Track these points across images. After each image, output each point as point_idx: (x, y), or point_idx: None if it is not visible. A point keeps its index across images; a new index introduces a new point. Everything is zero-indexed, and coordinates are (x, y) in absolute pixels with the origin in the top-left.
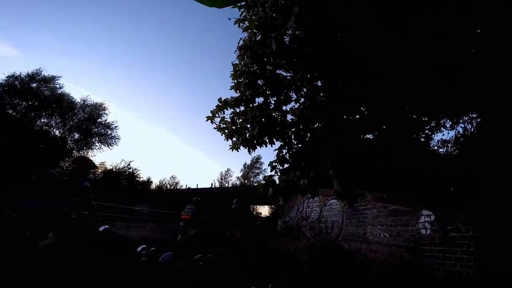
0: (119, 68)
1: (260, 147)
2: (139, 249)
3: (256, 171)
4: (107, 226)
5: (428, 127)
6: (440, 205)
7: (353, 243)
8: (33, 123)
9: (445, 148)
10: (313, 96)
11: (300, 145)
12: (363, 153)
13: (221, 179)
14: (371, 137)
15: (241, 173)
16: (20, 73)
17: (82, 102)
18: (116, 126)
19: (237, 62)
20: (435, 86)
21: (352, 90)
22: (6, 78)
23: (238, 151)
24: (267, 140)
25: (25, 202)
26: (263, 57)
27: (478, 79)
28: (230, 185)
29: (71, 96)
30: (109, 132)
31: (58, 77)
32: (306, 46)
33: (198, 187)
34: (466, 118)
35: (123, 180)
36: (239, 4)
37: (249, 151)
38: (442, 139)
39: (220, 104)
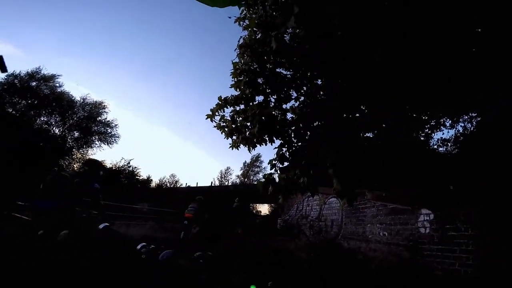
0: (119, 67)
1: (260, 146)
2: (139, 247)
3: (256, 169)
4: (107, 224)
5: (428, 126)
6: (440, 204)
7: (353, 242)
8: (32, 122)
9: (445, 147)
10: (313, 94)
11: (300, 144)
12: (362, 151)
13: (221, 177)
14: (371, 136)
15: (241, 171)
16: (20, 71)
17: (81, 100)
18: (116, 125)
19: (237, 60)
20: (435, 86)
21: (352, 89)
22: (5, 77)
23: (238, 150)
24: (267, 138)
25: (38, 203)
26: (263, 56)
27: (478, 79)
28: (230, 184)
29: (71, 95)
30: (109, 131)
31: (58, 75)
32: (306, 45)
33: (198, 185)
34: (466, 117)
35: (123, 178)
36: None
37: (249, 150)
38: (442, 138)
39: (220, 102)
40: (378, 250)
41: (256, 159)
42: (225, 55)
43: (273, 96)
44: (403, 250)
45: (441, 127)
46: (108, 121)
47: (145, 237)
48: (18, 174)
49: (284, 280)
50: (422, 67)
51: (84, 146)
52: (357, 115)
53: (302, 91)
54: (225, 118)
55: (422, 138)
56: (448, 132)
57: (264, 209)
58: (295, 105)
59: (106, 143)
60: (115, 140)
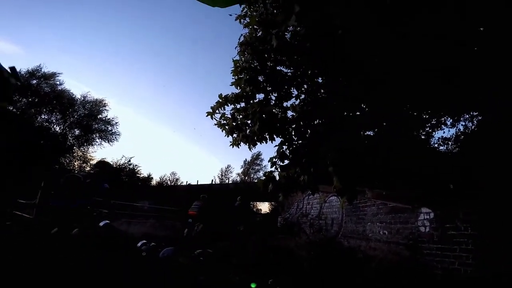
0: (119, 65)
1: (261, 143)
2: (139, 244)
3: (257, 167)
4: (107, 221)
5: (429, 124)
6: (439, 205)
7: (353, 240)
8: (33, 120)
9: (445, 146)
10: (314, 92)
11: (300, 142)
12: (363, 150)
13: (222, 175)
14: (371, 134)
15: (242, 169)
16: (20, 69)
17: (82, 98)
18: (116, 122)
19: (237, 58)
20: (434, 88)
21: (352, 89)
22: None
23: (238, 148)
24: (268, 136)
25: (55, 202)
26: (263, 53)
27: (477, 81)
28: (230, 182)
29: (71, 93)
30: (109, 128)
31: (59, 73)
32: (307, 43)
33: (199, 183)
34: (467, 116)
35: (124, 176)
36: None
37: (249, 148)
38: (442, 136)
39: (220, 100)
40: (378, 248)
41: (257, 157)
42: (225, 52)
43: (274, 94)
44: (403, 248)
45: (442, 126)
46: (109, 119)
47: (145, 235)
48: (18, 173)
49: (284, 279)
50: (421, 69)
51: (85, 144)
52: (358, 113)
53: (302, 89)
54: (226, 116)
55: (422, 137)
56: (449, 131)
57: (264, 207)
58: (296, 103)
59: (106, 141)
60: (115, 138)
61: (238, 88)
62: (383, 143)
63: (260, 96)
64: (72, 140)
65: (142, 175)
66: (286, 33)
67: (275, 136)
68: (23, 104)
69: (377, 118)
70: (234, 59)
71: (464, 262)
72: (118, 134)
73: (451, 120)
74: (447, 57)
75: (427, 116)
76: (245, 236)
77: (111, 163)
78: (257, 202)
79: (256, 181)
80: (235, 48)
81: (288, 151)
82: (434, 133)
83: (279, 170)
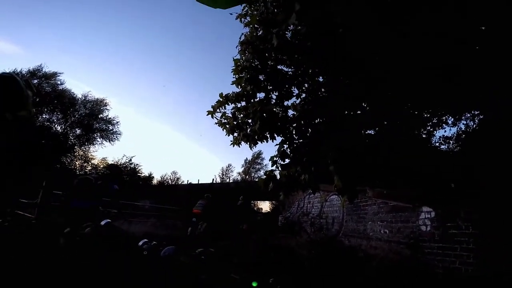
0: (119, 64)
1: (261, 142)
2: (140, 243)
3: (257, 166)
4: (108, 220)
5: (430, 123)
6: (440, 204)
7: (354, 239)
8: (34, 119)
9: (446, 144)
10: (315, 91)
11: (301, 141)
12: (364, 149)
13: (222, 174)
14: (372, 133)
15: (242, 168)
16: (21, 69)
17: (83, 98)
18: (117, 122)
19: (238, 57)
20: (435, 86)
21: (352, 88)
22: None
23: (239, 147)
24: (268, 135)
25: (74, 204)
26: (264, 52)
27: (478, 79)
28: (231, 181)
29: (72, 92)
30: (110, 128)
31: (59, 73)
32: (308, 42)
33: (200, 182)
34: (469, 115)
35: (125, 175)
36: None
37: (250, 146)
38: (443, 135)
39: (221, 99)
40: (379, 247)
41: (257, 156)
42: (226, 52)
43: (275, 93)
44: (404, 248)
45: (443, 124)
46: (110, 118)
47: (147, 234)
48: (19, 172)
49: (285, 278)
50: (422, 67)
51: (86, 143)
52: (359, 112)
53: (303, 88)
54: (227, 115)
55: (423, 136)
56: (450, 129)
57: (265, 206)
58: (297, 102)
59: (107, 140)
60: (116, 137)
61: (239, 87)
62: (384, 142)
63: (261, 95)
64: (73, 140)
65: (143, 175)
66: (286, 32)
67: (276, 135)
68: None
69: (378, 117)
70: (235, 58)
71: (465, 261)
72: (119, 134)
73: (452, 119)
74: (448, 55)
75: (428, 115)
76: (248, 235)
77: (112, 162)
78: (258, 201)
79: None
80: (236, 47)
81: (289, 150)
82: (435, 132)
83: (280, 169)
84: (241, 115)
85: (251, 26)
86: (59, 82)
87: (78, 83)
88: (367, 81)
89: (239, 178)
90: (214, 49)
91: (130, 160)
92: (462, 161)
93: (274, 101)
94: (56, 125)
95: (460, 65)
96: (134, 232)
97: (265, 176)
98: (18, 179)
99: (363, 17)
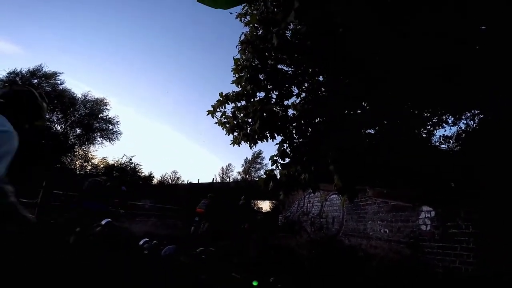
0: (119, 64)
1: (261, 142)
2: (141, 242)
3: (257, 166)
4: (109, 220)
5: (430, 123)
6: (440, 203)
7: (354, 239)
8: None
9: (446, 144)
10: (315, 91)
11: (301, 140)
12: (364, 148)
13: (223, 174)
14: (372, 132)
15: (242, 168)
16: (21, 69)
17: (83, 97)
18: (117, 121)
19: (238, 56)
20: (435, 86)
21: (352, 88)
22: (7, 75)
23: (239, 146)
24: (268, 134)
25: (83, 205)
26: (264, 52)
27: (478, 79)
28: (231, 180)
29: (72, 92)
30: (110, 127)
31: (59, 73)
32: (308, 41)
33: (200, 182)
34: (469, 114)
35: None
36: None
37: (250, 146)
38: (444, 135)
39: (221, 98)
40: (379, 247)
41: (258, 155)
42: (226, 51)
43: (275, 93)
44: (404, 247)
45: (443, 124)
46: (110, 118)
47: (147, 234)
48: (19, 172)
49: (285, 277)
50: (422, 67)
51: (86, 143)
52: (359, 112)
53: (303, 87)
54: (227, 114)
55: (424, 135)
56: (450, 129)
57: (265, 205)
58: (297, 102)
59: (107, 140)
60: (116, 137)
61: (239, 86)
62: (384, 141)
63: (261, 94)
64: (73, 139)
65: (143, 174)
66: (286, 32)
67: (276, 135)
68: None
69: (378, 117)
70: (235, 57)
71: (465, 261)
72: (119, 133)
73: (452, 118)
74: (448, 55)
75: (428, 115)
76: (249, 235)
77: (113, 162)
78: (258, 201)
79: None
80: (236, 46)
81: (289, 150)
82: (435, 131)
83: (280, 168)
84: (241, 115)
85: (251, 25)
86: (59, 82)
87: (78, 83)
88: (367, 81)
89: (239, 177)
90: (214, 49)
91: (130, 159)
92: (462, 160)
93: (274, 100)
94: (56, 125)
95: (460, 65)
96: (135, 232)
97: (265, 176)
98: (18, 179)
99: (363, 17)
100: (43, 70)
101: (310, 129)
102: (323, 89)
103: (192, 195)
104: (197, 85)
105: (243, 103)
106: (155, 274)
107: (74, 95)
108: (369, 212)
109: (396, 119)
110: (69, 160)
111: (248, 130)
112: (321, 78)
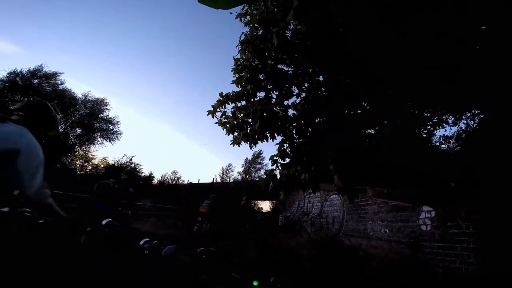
0: (119, 64)
1: (261, 142)
2: (141, 242)
3: (258, 166)
4: (110, 219)
5: (430, 123)
6: (441, 203)
7: (354, 239)
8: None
9: (447, 144)
10: (315, 91)
11: (301, 140)
12: (364, 148)
13: (223, 174)
14: (373, 132)
15: (243, 168)
16: (22, 69)
17: (83, 97)
18: (118, 121)
19: (238, 56)
20: (435, 86)
21: (352, 88)
22: (7, 75)
23: (239, 146)
24: (268, 134)
25: (94, 206)
26: (264, 52)
27: (478, 79)
28: (231, 180)
29: (73, 92)
30: (110, 127)
31: (60, 73)
32: (308, 41)
33: (200, 182)
34: (469, 114)
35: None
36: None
37: (250, 146)
38: (444, 135)
39: (221, 98)
40: (379, 247)
41: (258, 155)
42: (226, 51)
43: (275, 92)
44: (404, 247)
45: (444, 124)
46: (110, 118)
47: (147, 233)
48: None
49: (285, 278)
50: (422, 67)
51: (86, 143)
52: (359, 112)
53: (303, 87)
54: (227, 114)
55: (424, 135)
56: (451, 129)
57: (265, 205)
58: (297, 102)
59: (108, 140)
60: (117, 137)
61: (239, 86)
62: (384, 141)
63: (261, 94)
64: (73, 139)
65: (143, 174)
66: (287, 32)
67: (276, 135)
68: None
69: (378, 117)
70: (235, 57)
71: (465, 261)
72: (120, 133)
73: (452, 118)
74: (448, 55)
75: (428, 115)
76: (250, 234)
77: (113, 162)
78: (258, 201)
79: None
80: (236, 46)
81: (289, 150)
82: (435, 131)
83: (280, 168)
84: (241, 115)
85: (251, 25)
86: (59, 82)
87: (78, 83)
88: (367, 81)
89: (239, 177)
90: (214, 49)
91: (131, 160)
92: (462, 161)
93: (274, 100)
94: None
95: (460, 65)
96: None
97: (265, 176)
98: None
99: (363, 17)
100: (44, 70)
101: (310, 129)
102: (323, 89)
103: (193, 195)
104: (197, 85)
105: (243, 103)
106: (155, 274)
107: (75, 95)
108: (369, 212)
109: (396, 119)
110: (69, 160)
111: (248, 130)
112: (321, 78)
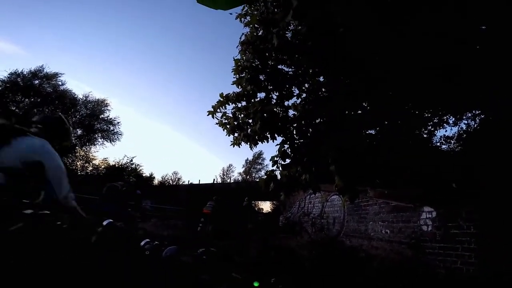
0: (120, 64)
1: (262, 143)
2: (142, 243)
3: (258, 166)
4: (111, 220)
5: (431, 123)
6: (441, 204)
7: (355, 239)
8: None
9: (447, 144)
10: (315, 91)
11: (302, 141)
12: (364, 149)
13: (223, 174)
14: (373, 132)
15: (243, 168)
16: (23, 70)
17: (84, 98)
18: (118, 122)
19: (239, 57)
20: (435, 86)
21: (353, 88)
22: (8, 76)
23: (239, 147)
24: (269, 135)
25: (103, 207)
26: (264, 52)
27: (478, 79)
28: (232, 181)
29: (73, 93)
30: (111, 128)
31: (61, 73)
32: (308, 42)
33: (201, 182)
34: (470, 114)
35: (126, 175)
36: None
37: (250, 147)
38: (444, 135)
39: (221, 99)
40: (380, 247)
41: (258, 156)
42: (226, 51)
43: (275, 93)
44: (405, 247)
45: (444, 124)
46: (111, 118)
47: (148, 234)
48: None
49: (285, 278)
50: (422, 67)
51: (87, 144)
52: (359, 112)
53: (304, 88)
54: (227, 115)
55: (424, 136)
56: (451, 129)
57: (266, 206)
58: (297, 102)
59: (109, 141)
60: (117, 137)
61: (239, 87)
62: (385, 141)
63: (261, 95)
64: (74, 140)
65: (144, 175)
66: (287, 32)
67: (276, 135)
68: (25, 105)
69: (379, 117)
70: (235, 58)
71: (466, 261)
72: (120, 134)
73: (453, 119)
74: (448, 55)
75: (429, 115)
76: (252, 235)
77: (114, 163)
78: (259, 201)
79: (257, 180)
80: (236, 47)
81: (289, 150)
82: (436, 131)
83: (280, 169)
84: (242, 115)
85: (251, 26)
86: (60, 83)
87: (79, 83)
88: (367, 81)
89: (240, 178)
90: (214, 49)
91: (131, 160)
92: (462, 161)
93: (274, 101)
94: None
95: (460, 65)
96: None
97: (266, 176)
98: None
99: (363, 17)
100: (45, 71)
101: (310, 130)
102: (323, 89)
103: (193, 195)
104: (197, 85)
105: (244, 103)
106: (156, 274)
107: (75, 96)
108: (370, 212)
109: (397, 119)
110: (70, 161)
111: (249, 130)
112: (321, 79)
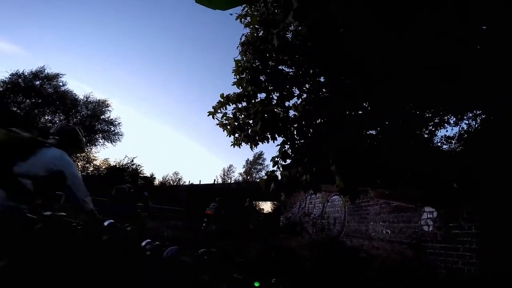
0: (120, 65)
1: (262, 143)
2: (143, 243)
3: (259, 167)
4: (111, 221)
5: (432, 123)
6: (442, 204)
7: (355, 240)
8: (37, 121)
9: (448, 144)
10: (315, 92)
11: (302, 141)
12: (364, 149)
13: (224, 175)
14: (374, 133)
15: (244, 169)
16: (24, 70)
17: (85, 99)
18: (119, 123)
19: (239, 58)
20: (436, 86)
21: (353, 88)
22: (9, 76)
23: (240, 147)
24: (269, 136)
25: (115, 209)
26: (265, 53)
27: (478, 79)
28: (232, 181)
29: (74, 93)
30: (112, 129)
31: (62, 74)
32: (308, 42)
33: (201, 183)
34: (471, 114)
35: (127, 176)
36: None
37: (251, 147)
38: (445, 135)
39: (222, 100)
40: (381, 248)
41: (259, 156)
42: (226, 52)
43: (276, 94)
44: (406, 248)
45: (445, 124)
46: (112, 119)
47: (154, 235)
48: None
49: (286, 278)
50: (422, 67)
51: (88, 145)
52: (360, 112)
53: (304, 88)
54: (227, 115)
55: (425, 136)
56: (452, 129)
57: (266, 206)
58: (298, 103)
59: (109, 141)
60: (118, 138)
61: (240, 87)
62: (385, 142)
63: (262, 95)
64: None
65: (144, 175)
66: (287, 33)
67: (277, 136)
68: (26, 105)
69: (379, 117)
70: (236, 58)
71: (467, 262)
72: (121, 135)
73: (454, 119)
74: (448, 55)
75: (429, 115)
76: (253, 235)
77: (115, 163)
78: (260, 202)
79: (258, 180)
80: (237, 47)
81: (290, 151)
82: (437, 131)
83: (281, 169)
84: (242, 116)
85: (251, 26)
86: (61, 84)
87: (79, 83)
88: (367, 81)
89: (240, 178)
90: (214, 49)
91: (132, 161)
92: (463, 161)
93: (275, 101)
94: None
95: (460, 65)
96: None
97: (266, 177)
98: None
99: (363, 17)
100: (46, 71)
101: (311, 130)
102: (323, 90)
103: (194, 196)
104: (197, 85)
105: (244, 104)
106: (156, 274)
107: (76, 97)
108: (371, 213)
109: (397, 119)
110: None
111: (249, 131)
112: (321, 79)
